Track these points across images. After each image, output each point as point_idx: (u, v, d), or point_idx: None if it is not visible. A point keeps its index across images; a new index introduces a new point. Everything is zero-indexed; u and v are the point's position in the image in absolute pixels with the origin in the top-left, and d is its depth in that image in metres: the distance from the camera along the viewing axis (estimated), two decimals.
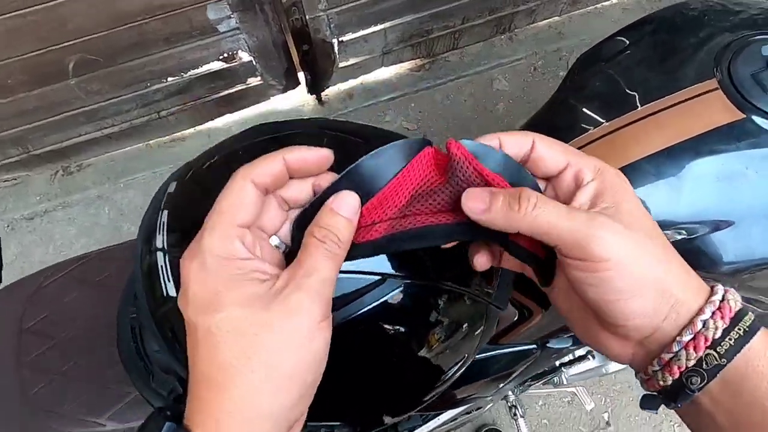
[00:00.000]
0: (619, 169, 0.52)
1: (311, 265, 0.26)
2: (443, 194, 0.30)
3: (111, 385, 0.52)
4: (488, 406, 1.01)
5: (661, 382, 0.29)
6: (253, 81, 1.44)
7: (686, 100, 0.52)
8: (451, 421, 0.93)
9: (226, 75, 1.38)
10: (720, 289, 0.29)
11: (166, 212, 0.36)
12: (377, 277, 0.33)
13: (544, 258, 0.31)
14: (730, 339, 0.27)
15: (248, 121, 1.53)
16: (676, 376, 0.28)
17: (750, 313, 0.28)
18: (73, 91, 1.26)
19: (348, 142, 0.39)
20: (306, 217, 0.29)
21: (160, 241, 0.35)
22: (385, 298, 0.33)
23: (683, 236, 0.51)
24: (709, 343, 0.27)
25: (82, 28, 1.09)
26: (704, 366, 0.27)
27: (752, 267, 0.50)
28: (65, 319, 0.55)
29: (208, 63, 1.32)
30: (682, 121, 0.51)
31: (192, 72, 1.32)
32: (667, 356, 0.28)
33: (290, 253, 0.29)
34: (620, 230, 0.27)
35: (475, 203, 0.29)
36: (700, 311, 0.28)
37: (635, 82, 0.57)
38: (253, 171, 0.27)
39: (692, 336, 0.27)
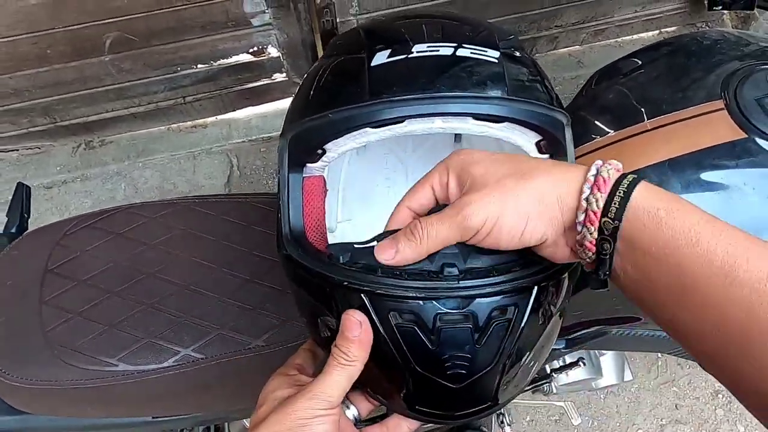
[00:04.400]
0: None
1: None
2: None
3: (125, 330, 0.55)
4: None
5: (588, 260, 0.33)
6: (279, 77, 1.48)
7: (693, 116, 0.55)
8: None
9: (254, 68, 1.42)
10: (594, 165, 0.33)
11: None
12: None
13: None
14: (614, 204, 0.31)
15: (269, 116, 1.57)
16: (593, 250, 0.32)
17: (630, 175, 0.32)
18: (106, 68, 1.30)
19: None
20: None
21: None
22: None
23: None
24: (599, 214, 0.31)
25: (124, 7, 1.14)
26: (605, 233, 0.31)
27: None
28: (87, 265, 0.58)
29: (238, 54, 1.37)
30: (687, 136, 0.54)
31: (222, 61, 1.37)
32: (579, 237, 0.32)
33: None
34: (477, 197, 0.32)
35: (385, 254, 0.35)
36: (581, 192, 0.32)
37: (645, 97, 0.60)
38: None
39: (584, 214, 0.31)
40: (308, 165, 0.42)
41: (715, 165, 0.52)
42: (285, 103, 1.57)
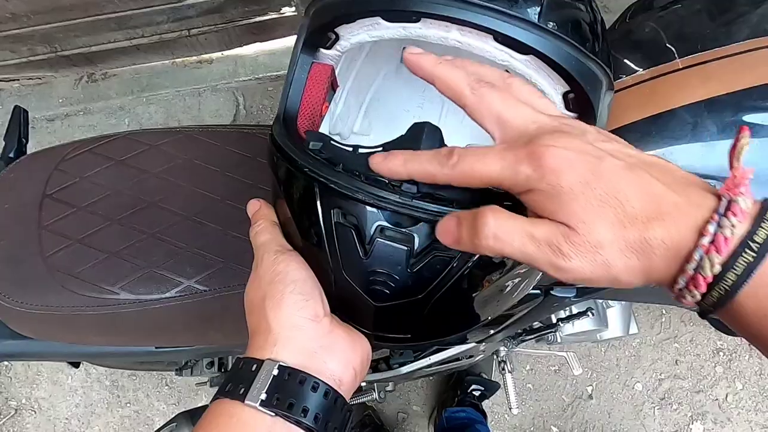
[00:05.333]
0: (656, 115, 0.52)
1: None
2: None
3: (126, 258, 0.53)
4: (479, 357, 1.03)
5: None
6: (287, 11, 1.41)
7: (736, 54, 0.51)
8: (440, 364, 0.95)
9: (262, 0, 1.35)
10: (716, 215, 0.25)
11: None
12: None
13: None
14: (732, 271, 0.25)
15: (276, 53, 1.51)
16: (692, 303, 0.27)
17: (762, 231, 0.25)
18: None
19: None
20: None
21: None
22: None
23: None
24: (709, 280, 0.25)
25: None
26: (712, 299, 0.26)
27: None
28: (86, 191, 0.56)
29: None
30: (728, 74, 0.50)
31: None
32: (676, 289, 0.27)
33: None
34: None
35: (445, 237, 0.30)
36: (690, 253, 0.25)
37: (682, 34, 0.55)
38: None
39: (687, 279, 0.26)
40: (321, 50, 0.40)
41: (757, 107, 0.48)
42: (292, 41, 1.51)
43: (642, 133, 0.52)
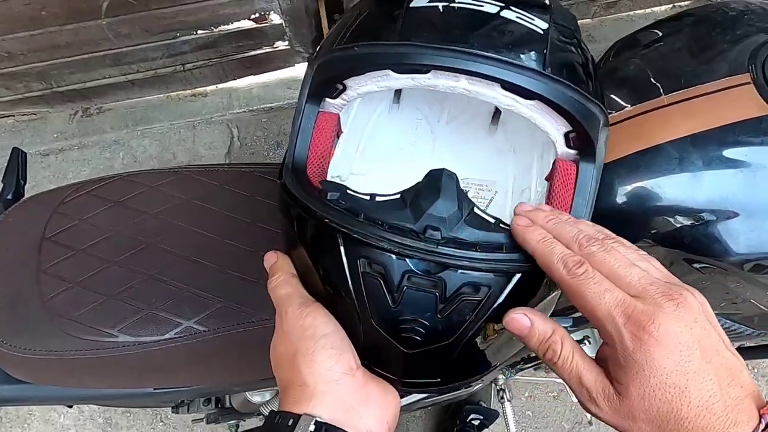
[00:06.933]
0: (644, 150, 0.54)
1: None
2: None
3: (125, 300, 0.53)
4: (478, 386, 1.02)
5: None
6: (281, 45, 1.44)
7: (717, 91, 0.53)
8: (439, 395, 0.94)
9: (255, 35, 1.38)
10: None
11: None
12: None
13: None
14: None
15: (270, 85, 1.54)
16: None
17: None
18: (103, 32, 1.26)
19: None
20: None
21: None
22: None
23: (692, 222, 0.52)
24: None
25: None
26: None
27: (762, 259, 0.51)
28: (85, 234, 0.56)
29: (240, 20, 1.32)
30: (710, 110, 0.52)
31: (222, 28, 1.33)
32: None
33: None
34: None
35: (518, 331, 0.34)
36: None
37: (665, 70, 0.58)
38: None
39: None
40: (327, 100, 0.41)
41: (739, 141, 0.50)
42: (287, 73, 1.53)
43: (630, 167, 0.53)
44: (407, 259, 0.33)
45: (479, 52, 0.36)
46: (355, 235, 0.33)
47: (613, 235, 0.35)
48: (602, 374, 0.30)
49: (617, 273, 0.32)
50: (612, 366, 0.30)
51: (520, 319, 0.33)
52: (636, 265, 0.32)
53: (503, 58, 0.36)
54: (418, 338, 0.35)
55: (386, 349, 0.35)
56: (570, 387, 0.31)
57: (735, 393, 0.29)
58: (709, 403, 0.28)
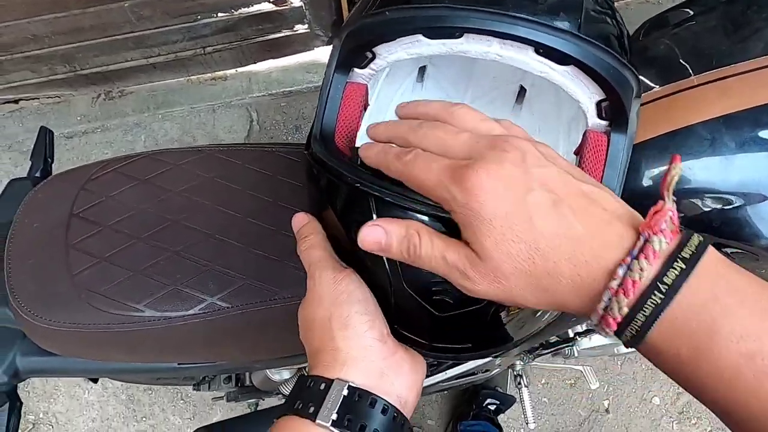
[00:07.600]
0: (673, 132, 0.53)
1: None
2: None
3: (151, 276, 0.54)
4: (495, 371, 1.02)
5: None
6: (300, 28, 1.44)
7: (752, 70, 0.52)
8: (456, 378, 0.94)
9: (275, 18, 1.38)
10: (629, 257, 0.26)
11: None
12: None
13: None
14: (641, 313, 0.26)
15: (289, 69, 1.54)
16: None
17: (671, 273, 0.25)
18: (125, 15, 1.27)
19: None
20: None
21: None
22: None
23: (721, 206, 0.51)
24: (619, 320, 0.27)
25: None
26: (626, 338, 0.27)
27: None
28: (112, 210, 0.57)
29: (260, 3, 1.32)
30: (745, 90, 0.51)
31: (243, 10, 1.33)
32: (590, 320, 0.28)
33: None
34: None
35: (370, 246, 0.32)
36: (600, 294, 0.27)
37: (696, 50, 0.56)
38: None
39: (600, 317, 0.27)
40: (355, 70, 0.41)
41: None
42: (306, 56, 1.53)
43: (659, 149, 0.52)
44: (440, 222, 0.33)
45: (514, 14, 0.35)
46: (387, 198, 0.33)
47: (455, 104, 0.34)
48: (465, 247, 0.29)
49: (444, 144, 0.30)
50: (463, 233, 0.29)
51: (373, 231, 0.31)
52: (466, 130, 0.31)
53: (539, 20, 0.35)
54: (450, 301, 0.34)
55: (417, 313, 0.35)
56: (442, 273, 0.30)
57: (597, 217, 0.27)
58: (564, 230, 0.27)
